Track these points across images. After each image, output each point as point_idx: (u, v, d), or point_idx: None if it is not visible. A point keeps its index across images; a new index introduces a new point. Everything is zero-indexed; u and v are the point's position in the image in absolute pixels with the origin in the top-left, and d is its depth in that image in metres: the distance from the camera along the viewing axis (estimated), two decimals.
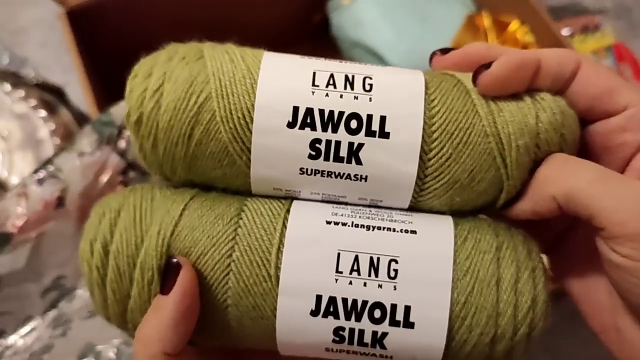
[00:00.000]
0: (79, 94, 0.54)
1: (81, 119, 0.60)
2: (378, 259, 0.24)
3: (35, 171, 0.47)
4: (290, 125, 0.24)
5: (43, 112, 0.59)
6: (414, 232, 0.24)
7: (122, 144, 0.49)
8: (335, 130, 0.24)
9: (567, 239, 0.27)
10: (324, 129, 0.24)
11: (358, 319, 0.23)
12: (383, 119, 0.24)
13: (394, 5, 0.62)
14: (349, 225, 0.24)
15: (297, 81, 0.24)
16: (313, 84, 0.24)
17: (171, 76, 0.24)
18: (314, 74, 0.24)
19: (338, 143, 0.24)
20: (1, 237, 0.45)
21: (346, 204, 0.26)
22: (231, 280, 0.24)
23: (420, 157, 0.24)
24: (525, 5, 0.60)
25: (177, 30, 0.60)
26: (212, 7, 0.62)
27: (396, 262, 0.24)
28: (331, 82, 0.24)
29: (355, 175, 0.24)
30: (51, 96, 0.61)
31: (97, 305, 0.26)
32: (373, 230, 0.24)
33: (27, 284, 0.46)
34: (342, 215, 0.25)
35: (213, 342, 0.26)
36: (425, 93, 0.24)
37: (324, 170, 0.24)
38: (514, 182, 0.24)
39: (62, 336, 0.45)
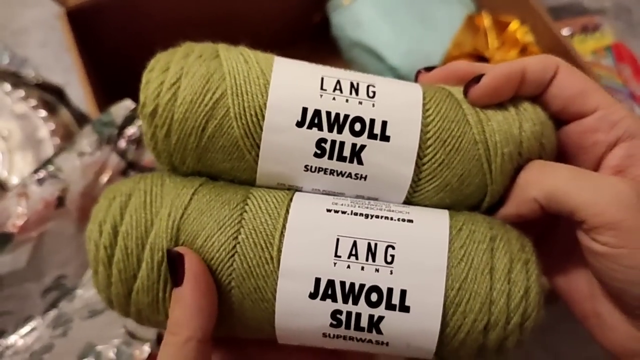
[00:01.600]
0: (79, 94, 0.54)
1: (81, 119, 0.60)
2: (375, 244, 0.25)
3: (35, 171, 0.47)
4: (299, 124, 0.25)
5: (43, 112, 0.59)
6: (410, 220, 0.26)
7: (122, 144, 0.49)
8: (340, 131, 0.25)
9: (548, 237, 0.29)
10: (330, 130, 0.25)
11: (355, 302, 0.24)
12: (384, 124, 0.25)
13: (393, 5, 0.62)
14: (348, 214, 0.26)
15: (306, 84, 0.26)
16: (321, 88, 0.26)
17: (188, 72, 0.25)
18: (322, 79, 0.26)
19: (342, 143, 0.25)
20: (2, 237, 0.45)
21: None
22: (236, 262, 0.25)
23: (415, 161, 0.25)
24: (525, 5, 0.61)
25: (176, 30, 0.60)
26: (212, 7, 0.62)
27: (393, 248, 0.25)
28: (338, 87, 0.26)
29: (356, 174, 0.26)
30: (51, 96, 0.61)
31: (99, 286, 0.26)
32: (371, 218, 0.25)
33: (28, 283, 0.46)
34: (342, 204, 0.26)
35: (215, 330, 0.26)
36: (422, 102, 0.26)
37: (327, 168, 0.26)
38: (497, 187, 0.26)
39: (63, 336, 0.45)
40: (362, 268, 0.24)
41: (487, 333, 0.25)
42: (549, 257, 0.28)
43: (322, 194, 0.27)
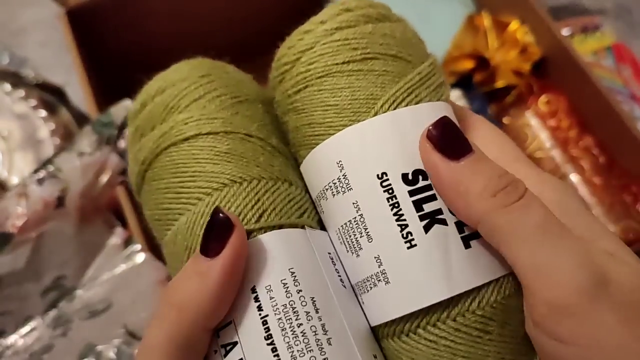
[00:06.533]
0: (79, 94, 0.54)
1: (81, 119, 0.60)
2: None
3: (35, 171, 0.47)
4: None
5: (43, 112, 0.59)
6: None
7: (122, 144, 0.49)
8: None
9: None
10: None
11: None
12: None
13: (393, 6, 0.62)
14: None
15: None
16: None
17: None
18: None
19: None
20: (1, 237, 0.45)
21: None
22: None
23: None
24: (525, 5, 0.60)
25: (176, 30, 0.60)
26: (212, 7, 0.62)
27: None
28: None
29: (408, 234, 0.21)
30: (51, 96, 0.61)
31: (130, 144, 0.26)
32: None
33: (27, 284, 0.46)
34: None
35: None
36: None
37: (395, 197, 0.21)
38: None
39: (62, 336, 0.45)
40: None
41: None
42: None
43: (355, 215, 0.22)
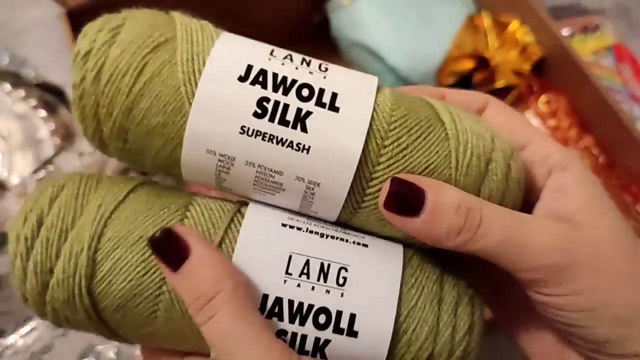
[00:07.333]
0: None
1: None
2: (329, 265, 0.24)
3: (35, 171, 0.47)
4: (242, 79, 0.23)
5: (43, 112, 0.59)
6: (365, 245, 0.25)
7: None
8: (286, 93, 0.23)
9: (506, 290, 0.29)
10: (275, 90, 0.23)
11: (302, 323, 0.23)
12: (334, 95, 0.23)
13: (394, 6, 0.62)
14: (303, 230, 0.24)
15: (255, 49, 0.24)
16: (270, 54, 0.24)
17: (133, 17, 0.24)
18: (272, 50, 0.24)
19: (286, 106, 0.23)
20: (1, 237, 0.45)
21: (280, 186, 0.24)
22: None
23: (376, 142, 0.23)
24: (525, 5, 0.60)
25: None
26: (212, 7, 0.62)
27: (346, 270, 0.24)
28: (289, 57, 0.24)
29: (298, 145, 0.23)
30: (51, 96, 0.61)
31: (15, 279, 0.23)
32: (326, 238, 0.24)
33: None
34: (297, 220, 0.25)
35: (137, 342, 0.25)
36: (379, 91, 0.25)
37: (266, 133, 0.23)
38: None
39: (62, 336, 0.45)
40: (313, 288, 0.23)
41: None
42: (510, 312, 0.28)
43: (256, 173, 0.24)
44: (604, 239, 0.23)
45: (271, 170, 0.23)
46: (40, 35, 0.71)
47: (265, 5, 0.65)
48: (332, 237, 0.25)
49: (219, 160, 0.23)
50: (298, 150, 0.23)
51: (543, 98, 0.62)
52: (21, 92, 0.60)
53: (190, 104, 0.23)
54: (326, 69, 0.24)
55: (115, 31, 0.23)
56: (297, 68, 0.24)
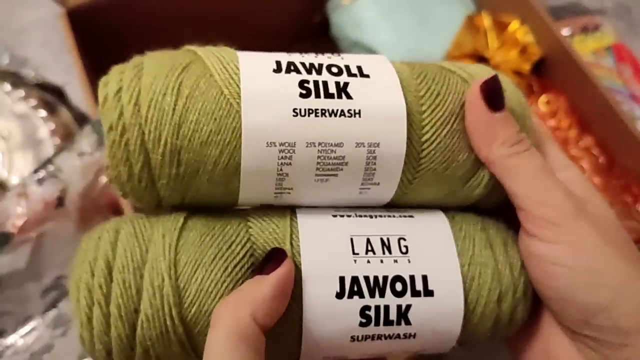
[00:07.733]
0: (79, 94, 0.54)
1: (81, 119, 0.60)
2: (388, 238, 0.25)
3: (35, 171, 0.47)
4: (276, 71, 0.24)
5: (43, 112, 0.59)
6: (411, 216, 0.27)
7: None
8: (319, 73, 0.25)
9: None
10: (309, 72, 0.25)
11: (382, 294, 0.24)
12: (360, 67, 0.26)
13: (394, 6, 0.62)
14: (353, 217, 0.26)
15: (273, 54, 0.26)
16: (287, 54, 0.26)
17: (151, 55, 0.25)
18: (286, 53, 0.26)
19: (325, 82, 0.24)
20: (1, 237, 0.45)
21: (342, 161, 0.25)
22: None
23: (411, 94, 0.26)
24: (525, 5, 0.60)
25: (176, 30, 0.60)
26: (212, 7, 0.62)
27: (404, 239, 0.26)
28: (303, 54, 0.26)
29: (349, 110, 0.24)
30: (51, 96, 0.61)
31: (96, 334, 0.23)
32: (376, 218, 0.26)
33: (28, 284, 0.46)
34: (344, 211, 0.27)
35: None
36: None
37: (317, 109, 0.24)
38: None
39: (62, 336, 0.45)
40: (382, 261, 0.25)
41: (500, 303, 0.26)
42: None
43: (319, 150, 0.24)
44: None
45: (332, 145, 0.24)
46: (40, 35, 0.71)
47: (265, 5, 0.65)
48: (380, 216, 0.27)
49: (280, 151, 0.23)
50: (351, 117, 0.24)
51: (543, 98, 0.62)
52: (21, 92, 0.60)
53: (238, 103, 0.23)
54: (339, 55, 0.27)
55: (139, 67, 0.24)
56: (316, 56, 0.26)
